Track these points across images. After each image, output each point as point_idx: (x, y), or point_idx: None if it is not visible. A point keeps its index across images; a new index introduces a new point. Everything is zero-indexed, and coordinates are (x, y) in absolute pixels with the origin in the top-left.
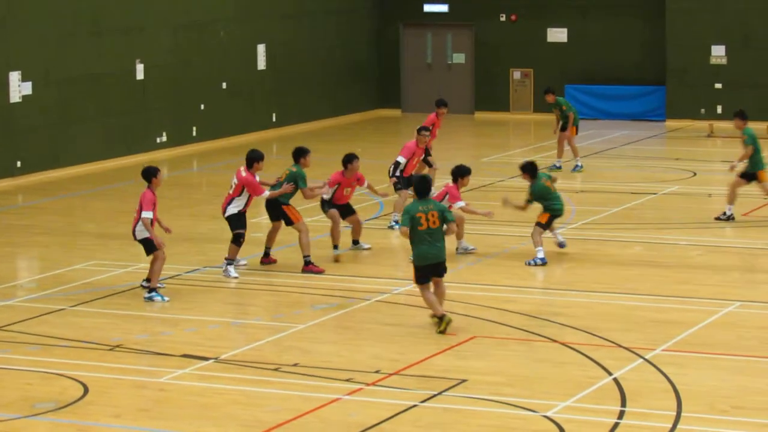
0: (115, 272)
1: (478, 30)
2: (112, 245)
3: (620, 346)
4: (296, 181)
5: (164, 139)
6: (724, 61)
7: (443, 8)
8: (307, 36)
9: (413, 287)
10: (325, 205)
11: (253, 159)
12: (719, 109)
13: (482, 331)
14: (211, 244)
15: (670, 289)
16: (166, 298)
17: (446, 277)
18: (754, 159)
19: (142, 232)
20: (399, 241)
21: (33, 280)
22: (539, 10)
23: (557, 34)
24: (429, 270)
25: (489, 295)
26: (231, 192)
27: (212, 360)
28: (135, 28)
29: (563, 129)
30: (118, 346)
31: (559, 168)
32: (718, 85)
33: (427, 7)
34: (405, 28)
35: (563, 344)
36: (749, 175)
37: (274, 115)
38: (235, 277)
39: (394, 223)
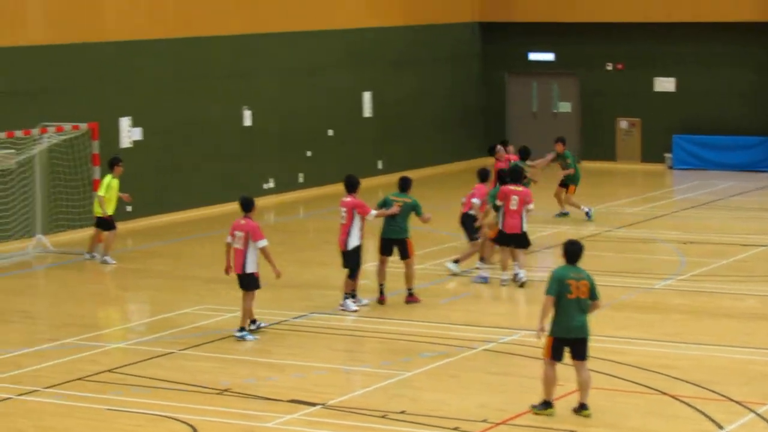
0: (224, 317)
1: (584, 79)
2: (220, 289)
3: (732, 399)
4: (416, 209)
5: (271, 185)
6: None
7: (549, 57)
8: (414, 84)
9: (518, 337)
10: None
11: (357, 183)
12: None
13: (593, 382)
14: (318, 290)
15: None
16: (257, 337)
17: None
18: None
19: (253, 265)
20: (505, 291)
21: (143, 324)
22: (646, 60)
23: (664, 84)
24: (566, 345)
25: (599, 346)
26: (344, 222)
27: (320, 406)
28: (243, 75)
29: (563, 185)
30: (226, 390)
31: (566, 214)
32: None
33: (533, 56)
34: (510, 77)
35: (673, 397)
36: None
37: (380, 162)
38: (354, 311)
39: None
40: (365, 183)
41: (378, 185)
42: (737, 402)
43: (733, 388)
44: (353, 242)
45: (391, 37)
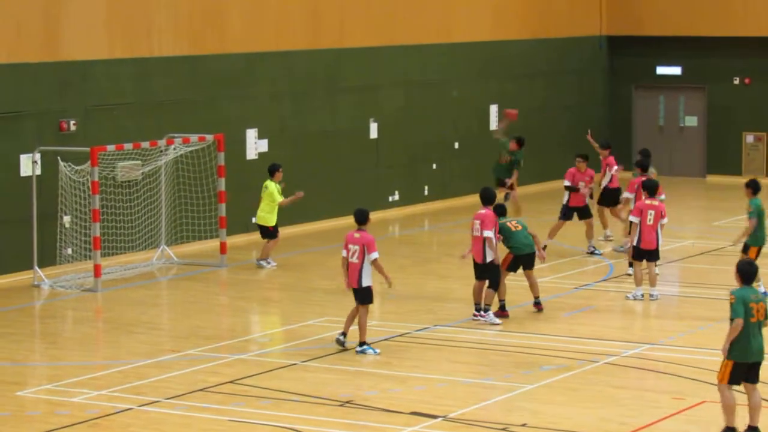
0: None
1: (711, 93)
2: (344, 302)
3: None
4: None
5: (396, 197)
6: None
7: (676, 71)
8: (540, 97)
9: (640, 351)
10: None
11: (494, 196)
12: None
13: (714, 396)
14: (440, 303)
15: None
16: (378, 350)
17: (674, 338)
18: None
19: (368, 278)
20: (629, 304)
21: (266, 335)
22: None
23: None
24: (746, 369)
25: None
26: (477, 234)
27: (441, 418)
28: (369, 87)
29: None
30: (348, 402)
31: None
32: None
33: (660, 70)
34: (637, 90)
35: None
36: None
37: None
38: (497, 324)
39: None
40: None
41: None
42: None
43: None
44: (490, 255)
45: (518, 50)
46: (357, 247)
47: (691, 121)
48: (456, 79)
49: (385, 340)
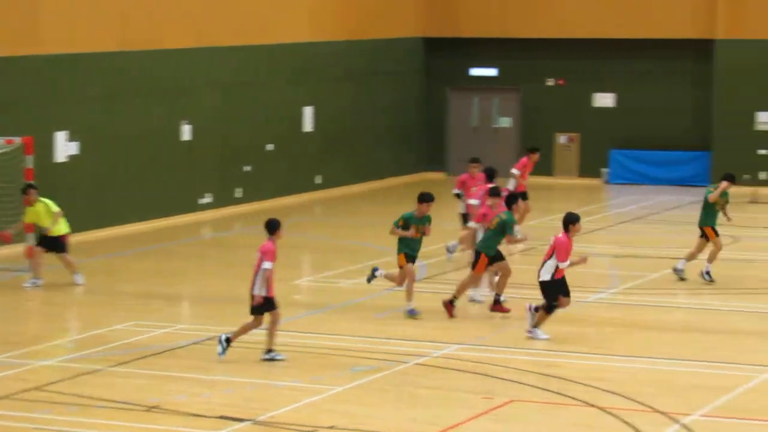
0: (155, 333)
1: (525, 94)
2: (153, 305)
3: (658, 411)
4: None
5: (208, 200)
6: None
7: (491, 72)
8: (355, 98)
9: (451, 351)
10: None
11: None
12: (763, 175)
13: (521, 395)
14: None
15: (711, 354)
16: (286, 356)
17: (487, 339)
18: None
19: (262, 289)
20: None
21: (73, 340)
22: (586, 75)
23: (604, 99)
24: None
25: (530, 360)
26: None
27: (249, 422)
28: (183, 88)
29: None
30: (154, 407)
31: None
32: (763, 151)
33: (474, 71)
34: (452, 92)
35: (601, 409)
36: None
37: (319, 177)
38: (545, 338)
39: None
40: (304, 198)
41: (316, 200)
42: (663, 413)
43: (661, 400)
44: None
45: (334, 52)
46: (259, 255)
47: (505, 122)
48: (271, 80)
49: (194, 344)
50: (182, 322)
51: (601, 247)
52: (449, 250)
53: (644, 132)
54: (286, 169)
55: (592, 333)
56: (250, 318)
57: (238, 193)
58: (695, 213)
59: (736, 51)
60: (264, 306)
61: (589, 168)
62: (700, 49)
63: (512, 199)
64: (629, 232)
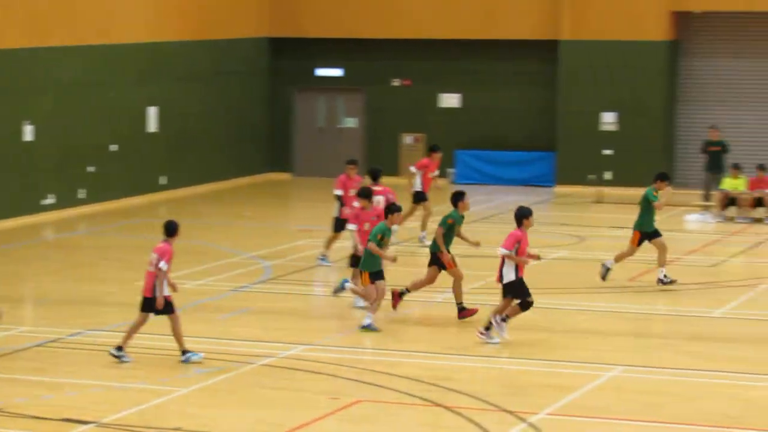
0: None
1: (370, 94)
2: None
3: (505, 410)
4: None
5: (51, 201)
6: (614, 127)
7: (337, 72)
8: (200, 99)
9: (297, 351)
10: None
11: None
12: (608, 176)
13: (367, 395)
14: (94, 307)
15: (556, 353)
16: (202, 354)
17: (331, 339)
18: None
19: (163, 290)
20: (288, 306)
21: None
22: (432, 76)
23: (449, 100)
24: None
25: (375, 360)
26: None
27: (93, 424)
28: (23, 89)
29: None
30: None
31: None
32: (608, 152)
33: (320, 72)
34: (298, 92)
35: (448, 408)
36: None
37: (165, 178)
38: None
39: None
40: (148, 198)
41: (161, 201)
42: (510, 412)
43: (507, 399)
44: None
45: (178, 52)
46: (155, 256)
47: (351, 122)
48: (114, 80)
49: (38, 345)
50: (25, 324)
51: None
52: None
53: (490, 132)
54: (130, 169)
55: (440, 333)
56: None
57: (82, 193)
58: (540, 213)
59: (580, 52)
60: (166, 308)
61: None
62: (545, 50)
63: (419, 197)
64: (475, 233)
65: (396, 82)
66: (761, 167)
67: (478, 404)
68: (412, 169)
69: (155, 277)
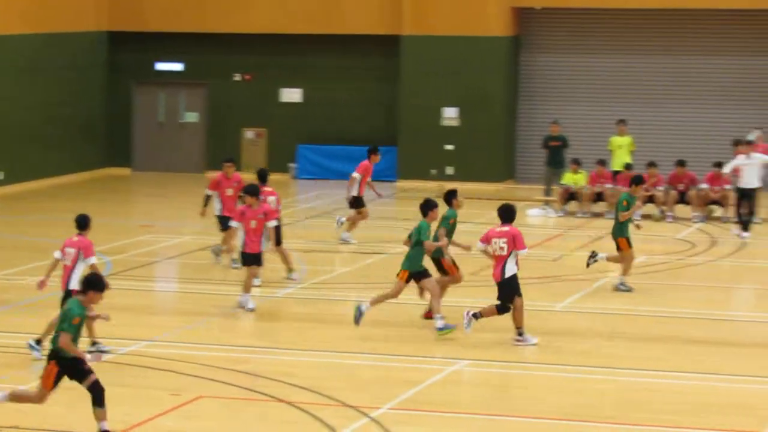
0: None
1: (212, 89)
2: None
3: (347, 405)
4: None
5: None
6: (455, 123)
7: (177, 67)
8: (38, 92)
9: (138, 347)
10: None
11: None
12: (450, 170)
13: (209, 391)
14: None
15: (399, 348)
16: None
17: (172, 335)
18: None
19: (77, 282)
20: (128, 301)
21: None
22: (274, 71)
23: (291, 95)
24: None
25: (218, 356)
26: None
27: None
28: None
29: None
30: None
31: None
32: (450, 147)
33: (160, 66)
34: (137, 86)
35: (290, 404)
36: None
37: (1, 173)
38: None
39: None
40: None
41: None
42: (352, 407)
43: (350, 394)
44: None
45: (15, 45)
46: (73, 251)
47: (192, 117)
48: None
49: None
50: None
51: (290, 242)
52: (215, 253)
53: (332, 127)
54: None
55: (282, 328)
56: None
57: None
58: (382, 208)
59: (422, 47)
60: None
61: (277, 163)
62: (387, 45)
63: (358, 202)
64: (317, 227)
65: (237, 77)
66: (601, 162)
67: (321, 399)
68: (355, 174)
69: (71, 270)
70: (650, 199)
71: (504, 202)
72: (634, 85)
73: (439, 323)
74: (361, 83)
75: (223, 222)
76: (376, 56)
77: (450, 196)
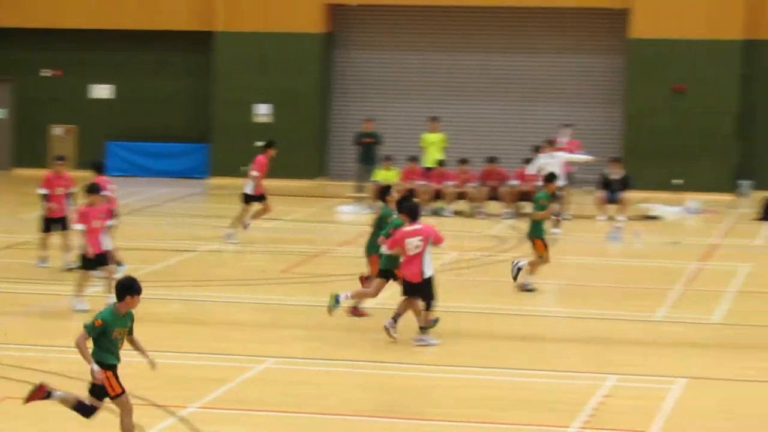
0: None
1: (19, 84)
2: None
3: (155, 404)
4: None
5: None
6: (268, 119)
7: None
8: None
9: None
10: None
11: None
12: None
13: (15, 392)
14: None
15: (208, 346)
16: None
17: None
18: None
19: None
20: None
21: None
22: (84, 66)
23: (102, 91)
24: None
25: (25, 355)
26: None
27: None
28: None
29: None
30: None
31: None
32: (262, 143)
33: None
34: None
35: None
36: None
37: None
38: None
39: None
40: None
41: None
42: (160, 406)
43: (158, 393)
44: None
45: None
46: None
47: (0, 113)
48: None
49: None
50: None
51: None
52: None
53: (143, 124)
54: None
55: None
56: None
57: None
58: (193, 205)
59: (235, 43)
60: None
61: (85, 160)
62: (200, 41)
63: (253, 198)
64: (127, 224)
65: (46, 73)
66: (413, 159)
67: (131, 399)
68: (253, 173)
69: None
70: (462, 196)
71: (406, 200)
72: (446, 82)
73: (342, 296)
74: (174, 80)
75: (46, 224)
76: (190, 52)
77: (384, 193)
